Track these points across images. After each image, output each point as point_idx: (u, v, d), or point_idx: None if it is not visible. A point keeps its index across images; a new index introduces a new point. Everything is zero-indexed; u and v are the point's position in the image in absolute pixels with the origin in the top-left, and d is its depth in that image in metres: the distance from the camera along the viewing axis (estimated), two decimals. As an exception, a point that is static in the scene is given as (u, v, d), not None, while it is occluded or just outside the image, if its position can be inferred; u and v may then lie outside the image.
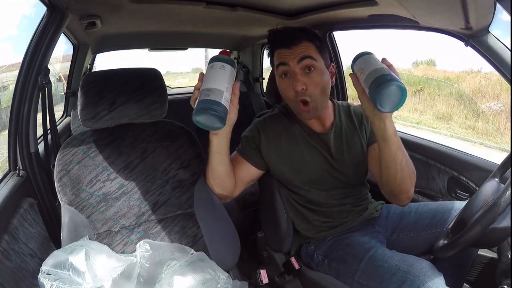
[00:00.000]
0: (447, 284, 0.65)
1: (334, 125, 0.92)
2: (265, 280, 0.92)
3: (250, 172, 0.92)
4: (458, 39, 0.95)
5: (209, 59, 0.77)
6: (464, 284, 0.98)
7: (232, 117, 0.78)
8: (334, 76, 0.90)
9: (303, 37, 0.83)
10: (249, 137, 0.93)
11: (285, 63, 0.84)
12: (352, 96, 1.55)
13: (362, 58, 0.73)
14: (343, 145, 0.91)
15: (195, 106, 0.71)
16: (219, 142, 0.80)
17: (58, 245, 0.85)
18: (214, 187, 0.86)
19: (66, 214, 0.83)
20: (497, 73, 0.90)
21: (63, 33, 1.22)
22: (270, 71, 1.10)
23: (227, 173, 0.84)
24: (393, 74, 0.65)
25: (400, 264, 0.70)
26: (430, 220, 0.87)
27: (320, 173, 0.90)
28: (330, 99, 0.94)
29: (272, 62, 0.91)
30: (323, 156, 0.90)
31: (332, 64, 0.90)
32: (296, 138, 0.91)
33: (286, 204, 0.96)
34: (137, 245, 0.81)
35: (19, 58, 0.92)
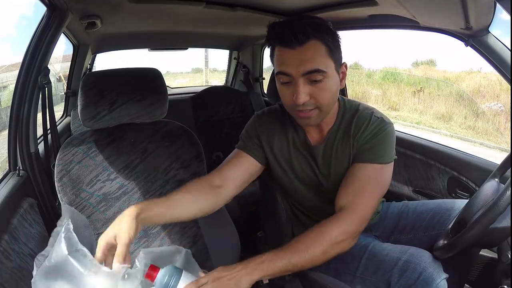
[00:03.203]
0: (448, 285, 0.65)
1: (328, 137, 0.81)
2: (265, 280, 0.92)
3: (250, 167, 0.84)
4: (458, 39, 0.95)
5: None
6: (464, 284, 0.98)
7: None
8: (345, 78, 0.78)
9: (311, 34, 0.67)
10: (248, 131, 0.87)
11: (286, 73, 0.70)
12: (352, 96, 1.55)
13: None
14: (331, 161, 0.82)
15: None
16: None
17: (58, 245, 0.85)
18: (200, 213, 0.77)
19: (66, 214, 0.83)
20: (497, 73, 0.90)
21: (63, 33, 1.22)
22: (271, 71, 1.09)
23: (188, 208, 0.73)
24: None
25: (401, 255, 0.70)
26: (428, 221, 0.86)
27: (308, 181, 0.85)
28: (338, 99, 0.83)
29: (272, 59, 0.76)
30: (311, 167, 0.84)
31: (345, 63, 0.76)
32: (287, 140, 0.85)
33: (286, 205, 0.95)
34: (136, 260, 0.69)
35: (19, 58, 0.92)
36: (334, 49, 0.71)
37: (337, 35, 0.73)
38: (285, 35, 0.68)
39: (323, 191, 0.85)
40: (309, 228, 0.85)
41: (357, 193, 0.73)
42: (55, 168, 0.84)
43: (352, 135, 0.79)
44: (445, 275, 0.65)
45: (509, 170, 0.76)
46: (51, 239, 0.71)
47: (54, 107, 1.09)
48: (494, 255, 0.96)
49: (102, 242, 0.59)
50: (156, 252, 0.76)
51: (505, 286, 0.64)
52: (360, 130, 0.78)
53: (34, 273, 0.59)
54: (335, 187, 0.79)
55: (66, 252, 0.56)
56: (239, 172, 0.82)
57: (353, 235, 0.71)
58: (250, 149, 0.85)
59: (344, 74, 0.77)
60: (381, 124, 0.78)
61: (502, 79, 0.90)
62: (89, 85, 0.83)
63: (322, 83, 0.70)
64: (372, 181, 0.74)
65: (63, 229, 0.60)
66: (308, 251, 0.66)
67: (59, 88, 2.03)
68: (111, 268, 0.57)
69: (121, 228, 0.60)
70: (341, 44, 0.74)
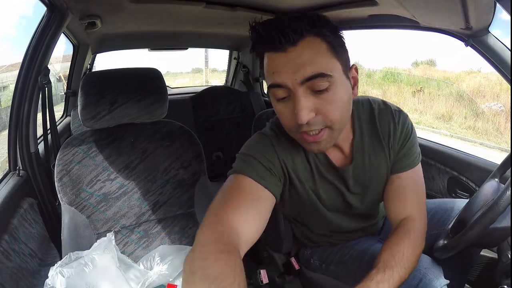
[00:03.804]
0: (448, 285, 0.65)
1: (355, 154, 0.68)
2: (265, 280, 0.92)
3: (268, 205, 0.61)
4: (458, 39, 0.95)
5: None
6: (465, 284, 0.98)
7: None
8: (357, 84, 0.62)
9: (305, 29, 0.53)
10: (264, 153, 0.64)
11: (280, 84, 0.55)
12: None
13: None
14: (365, 179, 0.70)
15: None
16: None
17: (58, 245, 0.85)
18: None
19: (66, 214, 0.83)
20: (497, 73, 0.90)
21: (63, 33, 1.22)
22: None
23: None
24: None
25: None
26: (428, 221, 0.86)
27: (335, 206, 0.74)
28: None
29: (263, 72, 0.60)
30: (339, 191, 0.71)
31: (354, 65, 0.61)
32: (309, 164, 0.68)
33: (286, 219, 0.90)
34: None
35: (19, 58, 0.92)
36: (338, 47, 0.56)
37: (339, 30, 0.58)
38: (272, 35, 0.53)
39: (354, 212, 0.76)
40: (312, 239, 0.84)
41: (415, 201, 0.69)
42: (55, 168, 0.84)
43: (384, 143, 0.68)
44: (445, 282, 0.64)
45: (509, 170, 0.76)
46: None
47: (54, 107, 1.09)
48: (494, 255, 0.96)
49: None
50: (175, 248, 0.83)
51: (505, 286, 0.64)
52: (391, 134, 0.68)
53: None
54: (372, 204, 0.74)
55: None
56: (261, 222, 0.58)
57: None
58: (269, 181, 0.61)
59: (356, 79, 0.61)
60: (406, 120, 0.69)
61: (502, 79, 0.90)
62: (89, 85, 0.83)
63: (329, 92, 0.55)
64: (420, 182, 0.71)
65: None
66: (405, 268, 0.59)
67: (59, 88, 2.03)
68: None
69: None
70: (345, 43, 0.59)
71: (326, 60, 0.54)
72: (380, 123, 0.68)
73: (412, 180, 0.70)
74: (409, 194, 0.69)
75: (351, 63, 0.61)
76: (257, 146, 0.66)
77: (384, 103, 0.71)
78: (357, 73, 0.62)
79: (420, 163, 0.72)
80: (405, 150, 0.69)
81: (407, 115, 0.70)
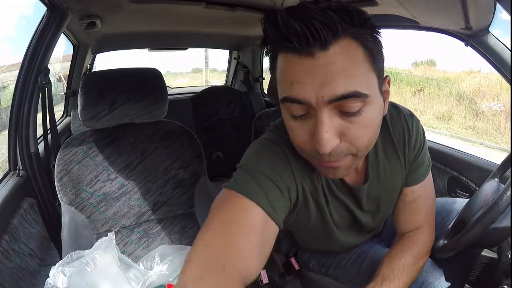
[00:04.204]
0: (449, 287, 0.65)
1: (369, 171, 0.60)
2: (265, 280, 0.92)
3: (274, 237, 0.50)
4: (458, 39, 0.95)
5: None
6: (465, 284, 0.98)
7: None
8: (388, 99, 0.51)
9: (342, 28, 0.40)
10: (277, 179, 0.50)
11: (299, 100, 0.43)
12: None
13: None
14: (379, 192, 0.63)
15: None
16: None
17: (58, 245, 0.85)
18: None
19: (67, 214, 0.83)
20: (497, 73, 0.90)
21: (63, 33, 1.22)
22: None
23: None
24: None
25: None
26: None
27: (344, 225, 0.67)
28: None
29: (274, 72, 0.48)
30: (350, 211, 0.63)
31: (388, 77, 0.49)
32: (321, 183, 0.58)
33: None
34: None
35: (19, 58, 0.92)
36: (377, 55, 0.44)
37: (378, 30, 0.46)
38: (296, 30, 0.39)
39: (366, 230, 0.71)
40: (312, 247, 0.81)
41: (425, 214, 0.67)
42: (55, 168, 0.84)
43: (400, 152, 0.61)
44: (446, 284, 0.64)
45: (509, 170, 0.76)
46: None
47: (54, 107, 1.09)
48: (494, 255, 0.95)
49: None
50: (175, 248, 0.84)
51: (505, 286, 0.64)
52: (406, 141, 0.60)
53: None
54: (384, 219, 0.71)
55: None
56: (266, 259, 0.47)
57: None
58: (279, 211, 0.49)
59: (387, 93, 0.50)
60: (418, 125, 0.63)
61: (502, 79, 0.90)
62: (89, 85, 0.83)
63: (361, 115, 0.43)
64: (431, 192, 0.68)
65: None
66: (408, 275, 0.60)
67: (59, 88, 2.03)
68: None
69: None
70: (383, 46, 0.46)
71: (363, 73, 0.42)
72: (394, 130, 0.60)
73: (425, 191, 0.67)
74: (421, 206, 0.67)
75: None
76: (269, 161, 0.52)
77: (394, 106, 0.63)
78: (389, 86, 0.50)
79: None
80: (420, 159, 0.63)
81: (419, 120, 0.64)
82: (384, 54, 0.46)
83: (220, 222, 0.44)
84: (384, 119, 0.57)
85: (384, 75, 0.48)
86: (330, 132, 0.42)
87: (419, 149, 0.62)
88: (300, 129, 0.46)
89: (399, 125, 0.60)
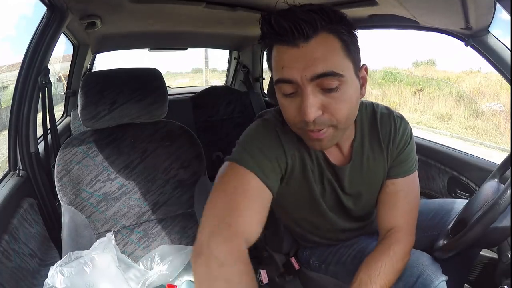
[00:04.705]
0: (448, 285, 0.65)
1: (354, 155, 0.68)
2: (265, 280, 0.92)
3: (269, 203, 0.60)
4: (458, 39, 0.95)
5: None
6: (464, 284, 0.98)
7: None
8: (366, 84, 0.61)
9: (321, 25, 0.51)
10: (268, 151, 0.61)
11: (288, 79, 0.54)
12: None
13: None
14: (361, 178, 0.70)
15: None
16: None
17: (58, 245, 0.85)
18: None
19: (67, 214, 0.83)
20: (497, 73, 0.90)
21: (63, 33, 1.22)
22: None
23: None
24: None
25: None
26: (429, 222, 0.86)
27: (330, 204, 0.73)
28: None
29: (270, 64, 0.60)
30: (334, 190, 0.71)
31: (365, 65, 0.59)
32: (311, 159, 0.67)
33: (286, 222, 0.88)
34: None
35: (19, 58, 0.92)
36: (351, 46, 0.55)
37: (354, 27, 0.57)
38: (285, 28, 0.51)
39: (349, 213, 0.76)
40: (309, 239, 0.83)
41: (405, 212, 0.69)
42: (55, 168, 0.84)
43: (384, 146, 0.69)
44: (444, 277, 0.64)
45: (509, 170, 0.76)
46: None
47: (54, 107, 1.09)
48: (494, 255, 0.96)
49: None
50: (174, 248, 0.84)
51: (505, 286, 0.64)
52: (391, 138, 0.68)
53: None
54: (367, 207, 0.75)
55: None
56: (264, 221, 0.57)
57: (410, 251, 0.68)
58: (271, 179, 0.60)
59: (365, 79, 0.60)
60: (406, 127, 0.70)
61: (502, 79, 0.90)
62: (89, 85, 0.83)
63: (339, 91, 0.54)
64: (414, 192, 0.71)
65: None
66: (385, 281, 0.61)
67: (59, 88, 2.03)
68: None
69: None
70: (359, 41, 0.57)
71: (338, 59, 0.53)
72: (381, 127, 0.69)
73: (406, 188, 0.70)
74: (401, 202, 0.69)
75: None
76: (262, 137, 0.63)
77: (387, 108, 0.72)
78: (367, 73, 0.60)
79: (416, 172, 0.72)
80: (403, 156, 0.70)
81: (408, 123, 0.71)
82: (359, 46, 0.57)
83: (224, 190, 0.56)
84: (374, 117, 0.69)
85: (361, 64, 0.59)
86: (313, 104, 0.53)
87: (403, 146, 0.69)
88: (291, 105, 0.57)
89: (387, 123, 0.69)
